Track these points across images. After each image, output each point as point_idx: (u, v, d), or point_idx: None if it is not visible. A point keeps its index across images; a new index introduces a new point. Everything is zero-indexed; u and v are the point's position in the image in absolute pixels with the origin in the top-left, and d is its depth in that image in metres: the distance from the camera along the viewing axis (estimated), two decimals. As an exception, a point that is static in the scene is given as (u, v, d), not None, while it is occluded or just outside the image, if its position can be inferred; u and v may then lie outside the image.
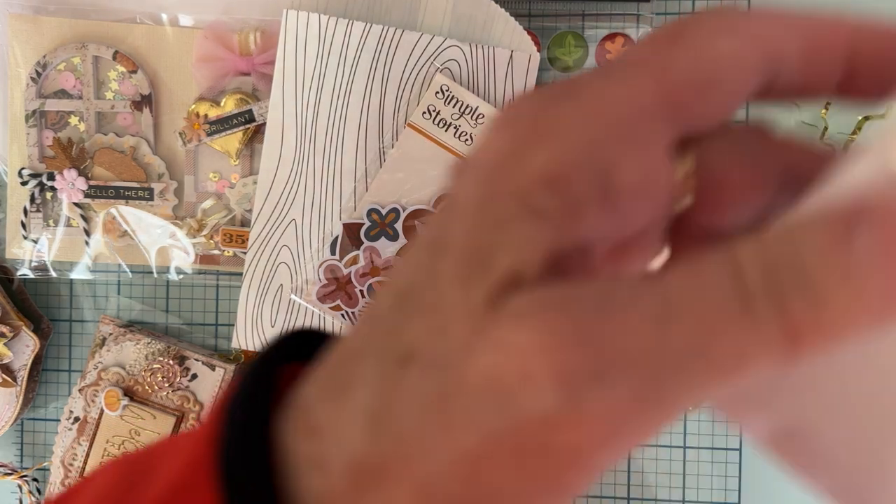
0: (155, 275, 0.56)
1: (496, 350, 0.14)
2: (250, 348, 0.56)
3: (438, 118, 0.53)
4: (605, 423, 0.14)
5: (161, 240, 0.56)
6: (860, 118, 0.54)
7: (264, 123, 0.54)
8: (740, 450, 0.54)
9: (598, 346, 0.14)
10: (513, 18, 0.53)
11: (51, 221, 0.56)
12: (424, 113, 0.53)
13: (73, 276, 0.56)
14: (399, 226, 0.54)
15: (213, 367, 0.55)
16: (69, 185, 0.55)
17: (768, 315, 0.14)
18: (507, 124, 0.16)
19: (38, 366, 0.58)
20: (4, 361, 0.56)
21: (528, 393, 0.14)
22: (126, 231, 0.56)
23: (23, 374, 0.56)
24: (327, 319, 0.55)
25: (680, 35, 0.16)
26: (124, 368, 0.56)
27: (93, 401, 0.56)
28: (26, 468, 0.59)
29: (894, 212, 0.14)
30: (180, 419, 0.56)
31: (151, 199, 0.55)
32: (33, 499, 0.59)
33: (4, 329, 0.55)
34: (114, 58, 0.55)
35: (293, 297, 0.55)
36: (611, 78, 0.16)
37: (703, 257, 0.15)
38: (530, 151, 0.15)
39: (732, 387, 0.14)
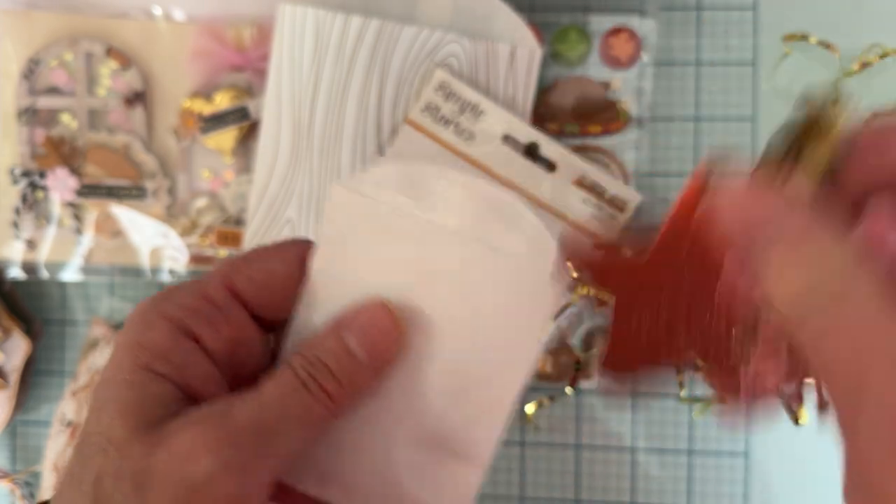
0: (148, 276, 0.55)
1: (168, 448, 0.24)
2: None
3: (438, 115, 0.52)
4: (238, 476, 0.24)
5: (154, 240, 0.55)
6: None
7: (259, 120, 0.53)
8: (746, 455, 0.54)
9: (227, 429, 0.24)
10: (514, 12, 0.52)
11: (42, 221, 0.55)
12: (424, 109, 0.52)
13: (65, 277, 0.55)
14: (398, 225, 0.52)
15: (207, 370, 0.54)
16: (60, 184, 0.54)
17: (314, 388, 0.26)
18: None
19: (31, 368, 0.57)
20: (-5, 364, 0.55)
21: (194, 467, 0.23)
22: (118, 231, 0.55)
23: (15, 377, 0.55)
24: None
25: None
26: (117, 371, 0.55)
27: (85, 404, 0.55)
28: (18, 472, 0.58)
29: (362, 313, 0.27)
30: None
31: (144, 197, 0.54)
32: (25, 503, 0.58)
33: (-5, 331, 0.54)
34: (107, 53, 0.54)
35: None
36: None
37: (277, 371, 0.26)
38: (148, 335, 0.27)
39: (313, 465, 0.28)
